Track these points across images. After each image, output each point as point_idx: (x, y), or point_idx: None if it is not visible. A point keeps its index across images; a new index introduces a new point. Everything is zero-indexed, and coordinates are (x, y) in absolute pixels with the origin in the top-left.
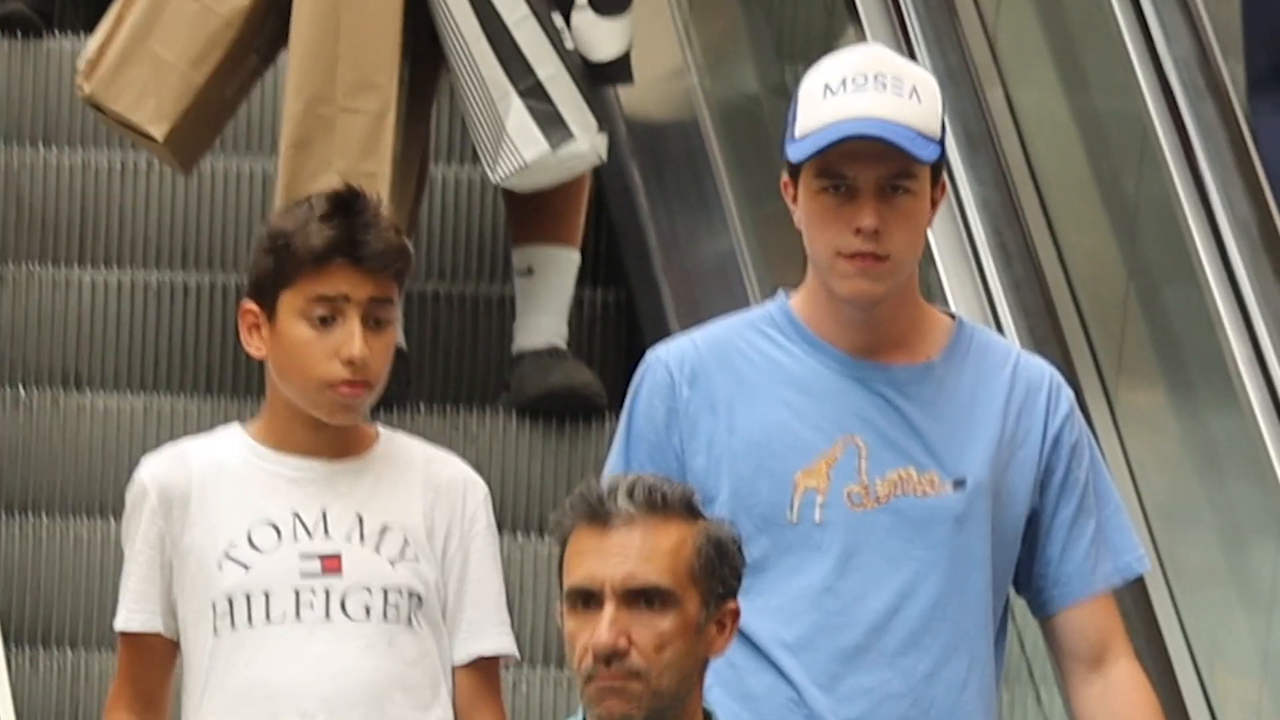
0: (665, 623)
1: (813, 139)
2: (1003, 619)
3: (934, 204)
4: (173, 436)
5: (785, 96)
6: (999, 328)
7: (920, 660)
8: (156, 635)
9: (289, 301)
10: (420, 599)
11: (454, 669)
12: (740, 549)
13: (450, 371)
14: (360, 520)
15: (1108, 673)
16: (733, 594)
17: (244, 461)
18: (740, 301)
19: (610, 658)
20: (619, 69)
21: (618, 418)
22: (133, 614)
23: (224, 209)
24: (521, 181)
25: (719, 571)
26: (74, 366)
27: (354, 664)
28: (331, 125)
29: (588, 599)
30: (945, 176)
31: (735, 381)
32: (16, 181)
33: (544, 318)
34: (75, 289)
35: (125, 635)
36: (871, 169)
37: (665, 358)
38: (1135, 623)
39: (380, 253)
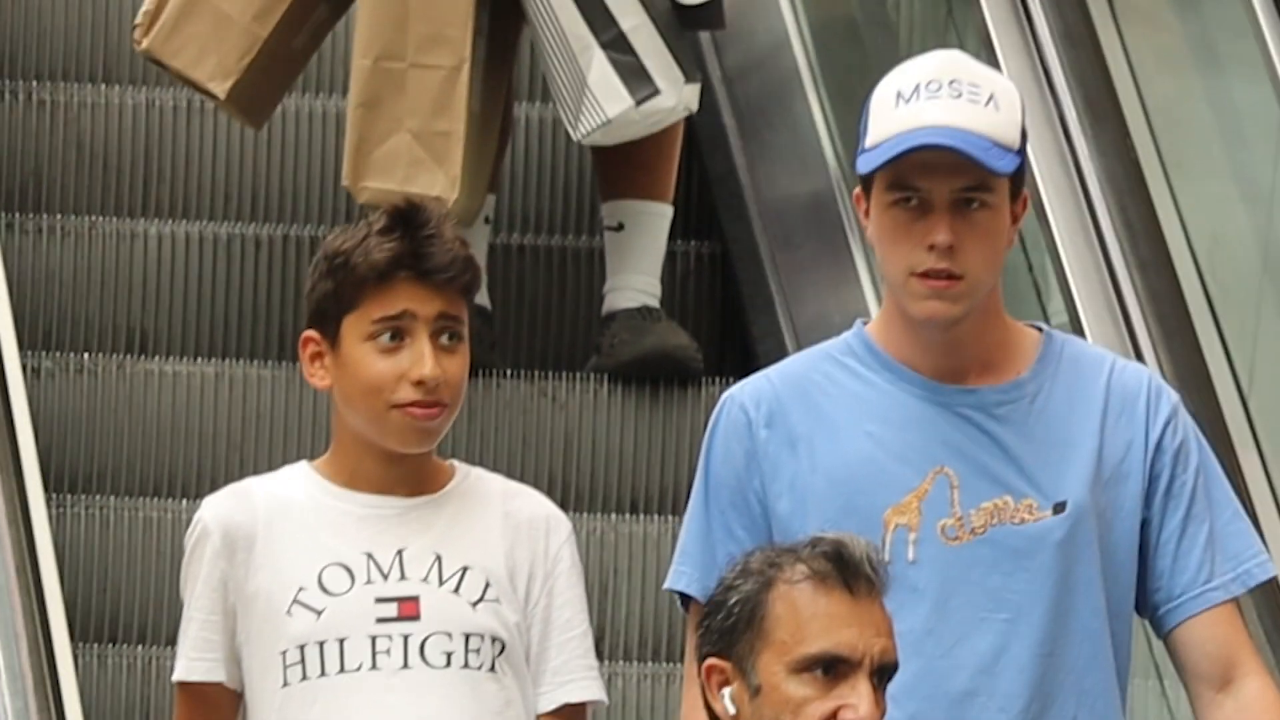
0: (883, 702)
1: (883, 149)
2: (1127, 646)
3: (1015, 218)
4: (246, 407)
5: (886, 27)
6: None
7: (1033, 700)
8: (219, 685)
9: (353, 325)
10: (504, 644)
11: (539, 716)
12: None
13: (537, 332)
14: (439, 560)
15: (1238, 693)
16: None
17: (312, 499)
18: (839, 246)
19: None
20: (710, 13)
21: (715, 382)
22: (194, 663)
23: (296, 152)
24: (604, 138)
25: None
26: (139, 328)
27: (435, 715)
28: (403, 82)
29: (834, 666)
30: (1026, 190)
31: (815, 417)
32: (77, 123)
33: (636, 276)
34: (140, 242)
35: (185, 686)
36: (945, 181)
37: (739, 397)
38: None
39: (446, 264)
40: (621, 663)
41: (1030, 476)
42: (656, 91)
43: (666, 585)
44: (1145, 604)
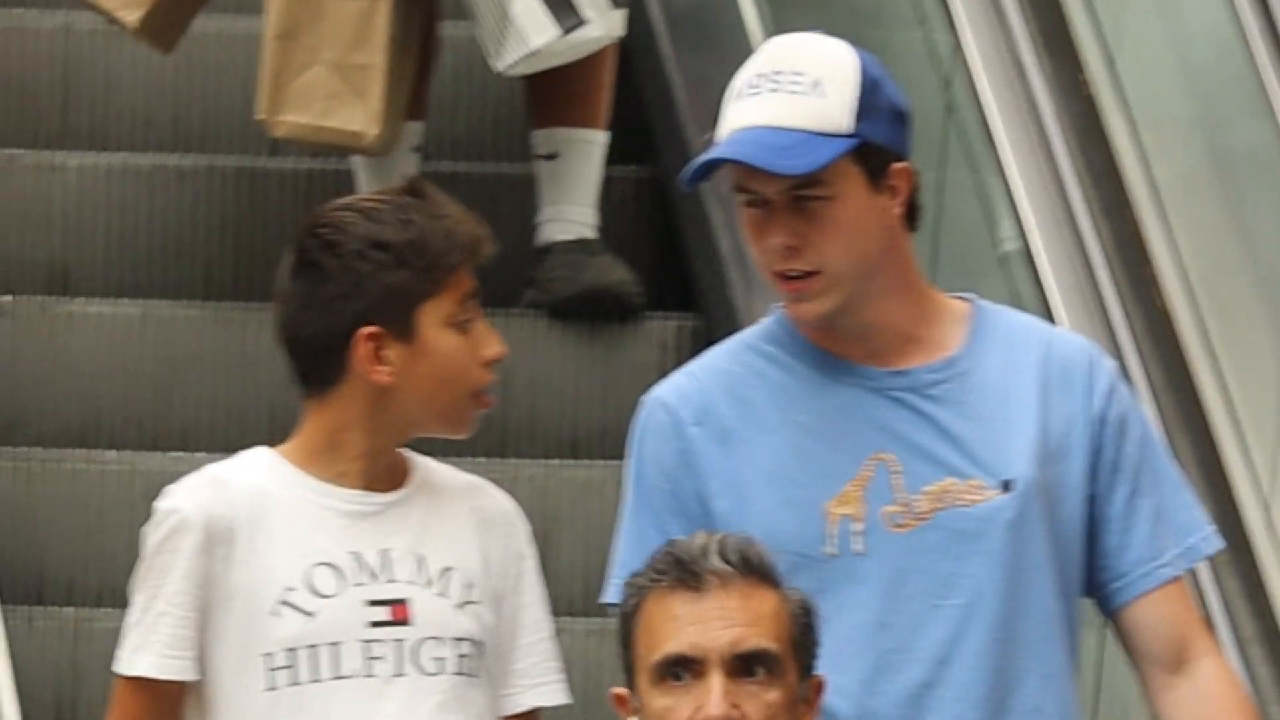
0: (773, 694)
1: (700, 158)
2: (1079, 626)
3: (894, 192)
4: (173, 349)
5: None
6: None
7: (993, 688)
8: (182, 683)
9: (436, 311)
10: (483, 648)
11: (502, 718)
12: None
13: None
14: (421, 561)
15: (1193, 674)
16: (814, 667)
17: (290, 493)
18: None
19: None
20: None
21: (655, 316)
22: (168, 660)
23: (219, 77)
24: (528, 68)
25: (809, 642)
26: (61, 266)
27: None
28: (320, 12)
29: (686, 669)
30: (908, 161)
31: (744, 411)
32: None
33: (572, 207)
34: (59, 175)
35: (146, 682)
36: (770, 183)
37: (664, 397)
38: None
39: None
40: (565, 618)
41: (973, 456)
42: (583, 21)
43: (603, 599)
44: (1092, 581)
